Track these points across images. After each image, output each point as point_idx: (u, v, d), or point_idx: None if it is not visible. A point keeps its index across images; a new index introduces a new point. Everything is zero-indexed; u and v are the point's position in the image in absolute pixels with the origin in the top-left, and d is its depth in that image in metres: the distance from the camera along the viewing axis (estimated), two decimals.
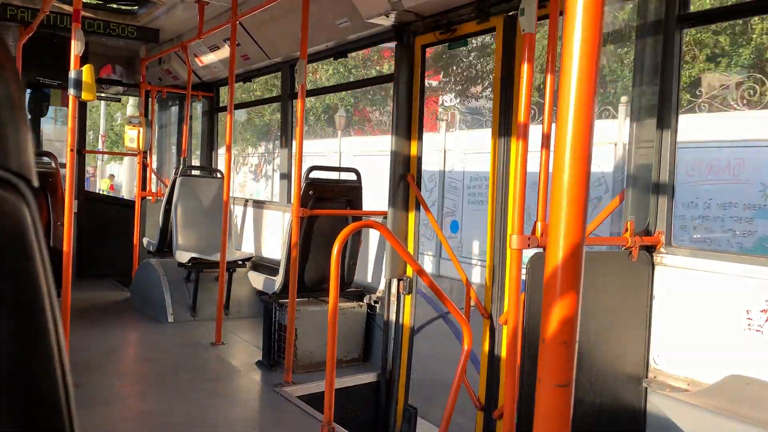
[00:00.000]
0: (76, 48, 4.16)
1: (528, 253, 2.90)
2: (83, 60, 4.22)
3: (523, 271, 2.95)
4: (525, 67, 2.90)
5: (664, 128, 3.29)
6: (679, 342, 3.21)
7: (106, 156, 26.78)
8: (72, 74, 4.11)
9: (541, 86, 8.15)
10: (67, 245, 4.14)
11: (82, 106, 8.25)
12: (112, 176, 20.18)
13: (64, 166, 4.72)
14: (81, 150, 8.35)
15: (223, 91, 8.34)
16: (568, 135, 1.09)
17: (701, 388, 2.99)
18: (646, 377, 3.30)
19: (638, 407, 3.29)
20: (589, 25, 1.08)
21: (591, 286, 3.07)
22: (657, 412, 3.13)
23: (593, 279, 3.09)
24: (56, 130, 12.57)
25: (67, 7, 6.20)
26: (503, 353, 3.72)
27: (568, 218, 1.08)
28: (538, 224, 2.91)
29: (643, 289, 3.30)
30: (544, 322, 1.09)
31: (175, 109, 9.64)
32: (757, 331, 2.88)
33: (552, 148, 1.29)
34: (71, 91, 4.14)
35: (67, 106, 4.31)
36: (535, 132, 3.17)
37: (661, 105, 3.29)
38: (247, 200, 7.56)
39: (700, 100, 11.50)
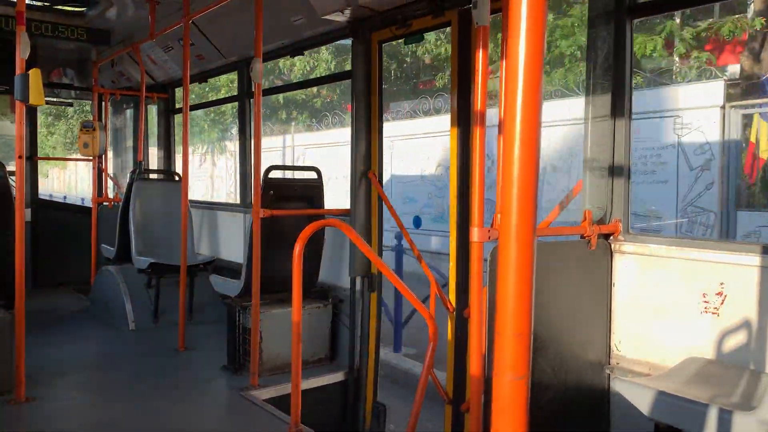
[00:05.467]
0: (21, 51, 4.02)
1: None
2: (31, 64, 4.09)
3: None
4: (480, 58, 2.91)
5: (617, 116, 3.33)
6: (639, 328, 3.26)
7: None
8: (17, 79, 3.98)
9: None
10: (19, 255, 4.00)
11: (32, 111, 7.99)
12: None
13: (13, 174, 4.56)
14: (33, 156, 8.10)
15: (179, 92, 8.18)
16: (517, 126, 1.08)
17: (662, 371, 3.04)
18: (609, 363, 3.35)
19: (602, 393, 3.33)
20: (534, 19, 1.08)
21: (552, 275, 3.10)
22: (620, 398, 3.17)
23: (554, 269, 3.11)
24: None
25: (11, 9, 6.00)
26: (469, 347, 3.72)
27: (519, 208, 1.07)
28: (498, 216, 2.92)
29: (603, 277, 3.34)
30: (498, 314, 1.08)
31: (130, 112, 9.42)
32: (713, 313, 2.95)
33: None
34: (17, 96, 4.01)
35: (14, 112, 4.18)
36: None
37: (614, 94, 3.33)
38: (206, 202, 7.43)
39: None
